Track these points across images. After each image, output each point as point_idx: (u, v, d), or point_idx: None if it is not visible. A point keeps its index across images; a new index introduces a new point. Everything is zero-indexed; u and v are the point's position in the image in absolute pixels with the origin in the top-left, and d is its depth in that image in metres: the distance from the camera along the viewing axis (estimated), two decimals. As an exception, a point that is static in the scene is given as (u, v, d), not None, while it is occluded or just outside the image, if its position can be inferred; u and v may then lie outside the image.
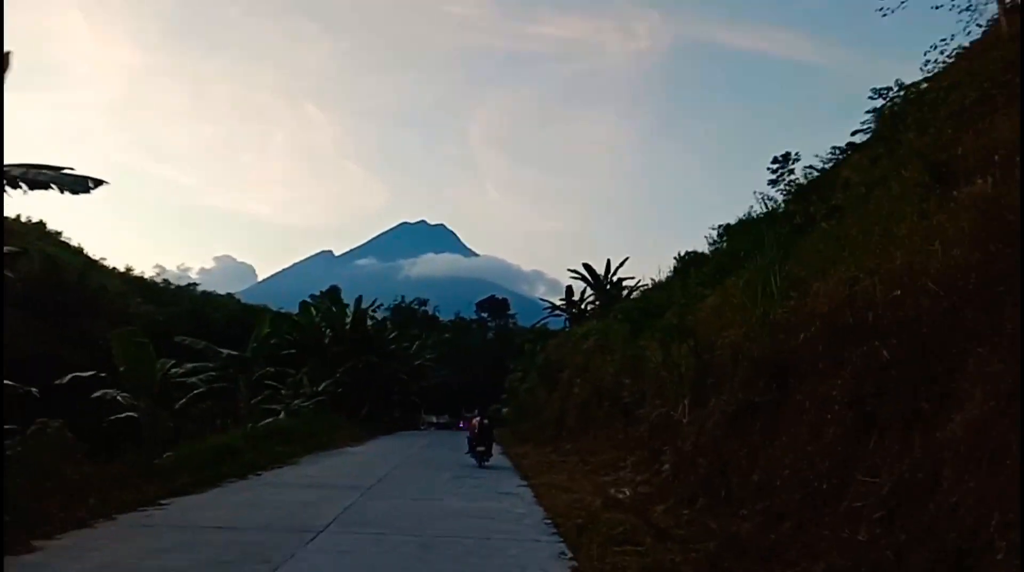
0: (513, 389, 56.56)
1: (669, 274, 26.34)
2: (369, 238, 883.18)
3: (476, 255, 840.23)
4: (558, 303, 46.88)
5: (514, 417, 52.05)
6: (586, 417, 23.74)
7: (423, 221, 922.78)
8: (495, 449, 20.18)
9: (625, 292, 43.06)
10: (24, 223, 54.37)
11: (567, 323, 46.28)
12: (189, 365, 18.11)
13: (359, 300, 32.82)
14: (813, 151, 18.82)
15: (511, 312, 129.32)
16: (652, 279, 29.96)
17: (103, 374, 13.92)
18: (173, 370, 15.85)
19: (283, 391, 26.40)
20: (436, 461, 19.31)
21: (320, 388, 28.27)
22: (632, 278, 43.53)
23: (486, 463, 18.61)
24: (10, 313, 17.84)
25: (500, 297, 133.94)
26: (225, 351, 19.00)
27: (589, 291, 45.94)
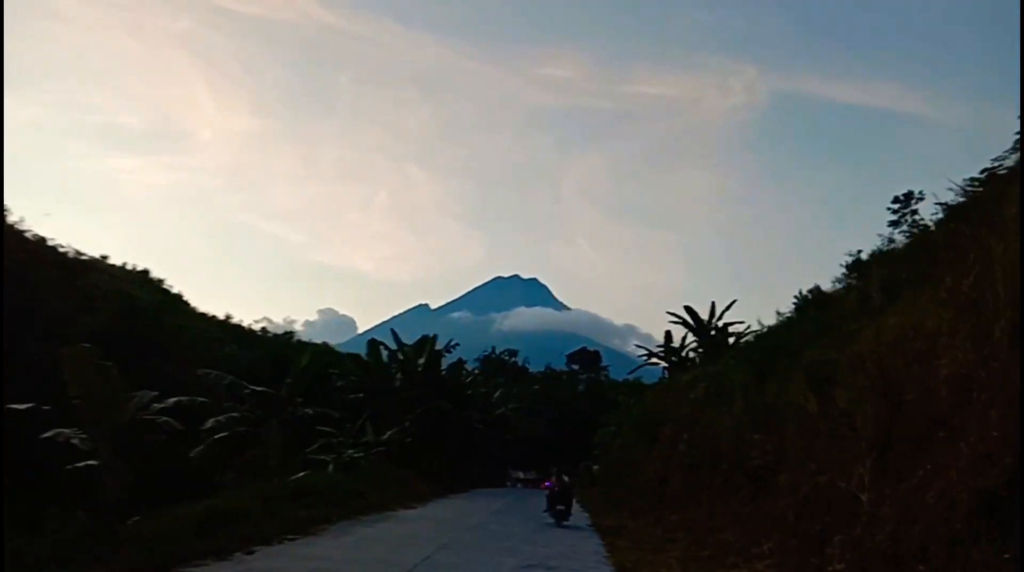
0: (604, 445, 51.73)
1: (789, 314, 21.69)
2: (464, 292, 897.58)
3: (568, 309, 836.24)
4: (655, 350, 42.24)
5: (606, 476, 47.20)
6: (696, 482, 19.27)
7: (516, 275, 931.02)
8: (582, 519, 16.83)
9: (732, 338, 38.03)
10: (128, 270, 55.19)
11: (665, 373, 41.47)
12: (184, 399, 14.47)
13: (433, 340, 29.46)
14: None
15: (603, 364, 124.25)
16: (762, 324, 25.05)
17: (47, 406, 10.82)
18: (155, 406, 12.60)
19: (338, 439, 23.16)
20: (506, 533, 15.44)
21: (385, 437, 24.90)
22: (741, 322, 38.51)
23: (566, 523, 18.02)
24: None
25: (592, 349, 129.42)
26: (253, 388, 15.67)
27: (691, 338, 41.11)
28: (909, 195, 13.62)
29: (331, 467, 19.99)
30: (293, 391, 15.18)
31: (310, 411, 17.81)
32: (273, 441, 14.23)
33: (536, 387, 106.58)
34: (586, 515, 20.53)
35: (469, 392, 32.80)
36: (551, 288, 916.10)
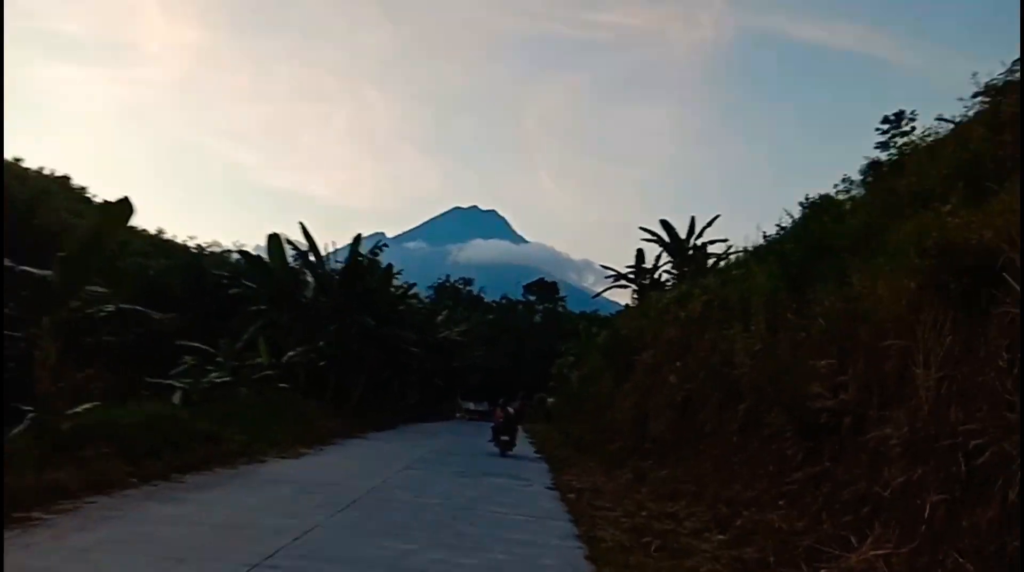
0: (562, 377, 47.27)
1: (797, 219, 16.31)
2: (422, 222, 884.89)
3: (526, 242, 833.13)
4: (624, 271, 37.20)
5: (563, 410, 42.89)
6: (693, 425, 14.38)
7: (475, 206, 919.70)
8: (538, 475, 11.76)
9: (712, 260, 33.05)
10: (46, 176, 47.81)
11: (635, 297, 36.62)
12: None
13: (357, 239, 23.27)
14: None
15: (561, 295, 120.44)
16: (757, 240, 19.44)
17: None
18: None
19: (215, 359, 17.48)
20: (417, 507, 9.64)
21: (284, 359, 19.44)
22: (723, 240, 33.51)
23: (508, 453, 18.51)
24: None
25: (549, 281, 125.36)
26: (24, 269, 9.99)
27: (665, 258, 36.13)
28: (900, 115, 13.16)
29: (178, 397, 14.30)
30: (73, 274, 9.28)
31: (108, 308, 11.88)
32: (45, 353, 8.78)
33: (491, 317, 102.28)
34: (543, 466, 15.60)
35: (402, 308, 27.57)
36: (510, 220, 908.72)
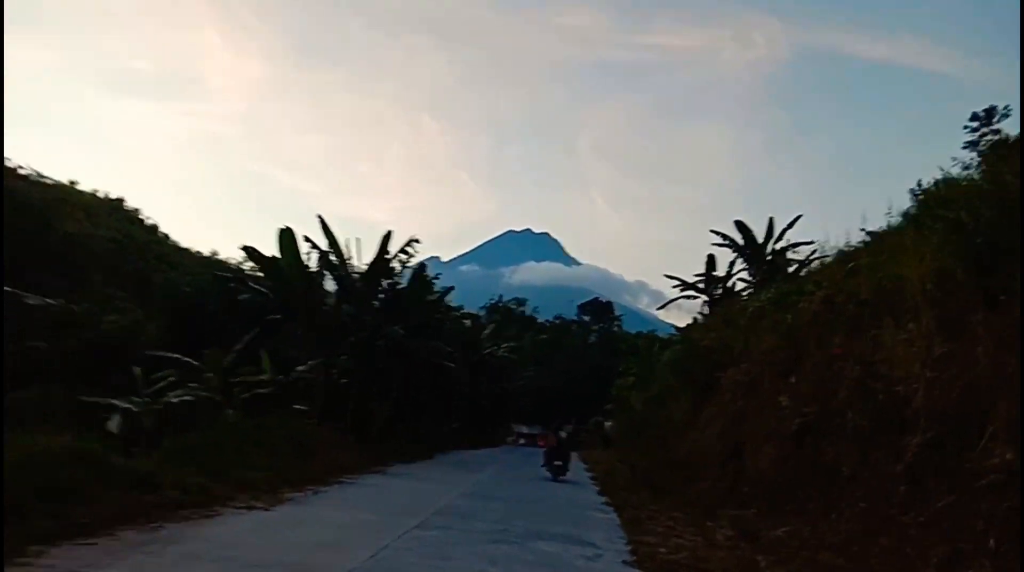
0: (621, 399, 43.11)
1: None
2: (476, 245, 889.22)
3: (579, 264, 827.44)
4: (692, 280, 33.04)
5: (624, 435, 38.77)
6: (812, 463, 10.45)
7: (528, 229, 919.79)
8: (604, 519, 8.02)
9: (794, 266, 28.71)
10: (99, 198, 46.59)
11: (706, 307, 32.43)
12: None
13: (387, 237, 19.85)
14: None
15: (616, 314, 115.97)
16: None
17: None
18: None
19: (207, 374, 13.99)
20: None
21: (291, 376, 16.02)
22: (808, 243, 29.06)
23: (562, 478, 18.06)
24: None
25: (604, 300, 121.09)
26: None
27: (739, 264, 31.92)
28: (991, 112, 12.11)
29: (115, 422, 10.87)
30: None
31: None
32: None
33: (544, 336, 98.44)
34: (610, 516, 11.64)
35: (439, 316, 23.26)
36: (563, 243, 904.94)
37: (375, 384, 18.38)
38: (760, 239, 31.58)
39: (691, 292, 33.39)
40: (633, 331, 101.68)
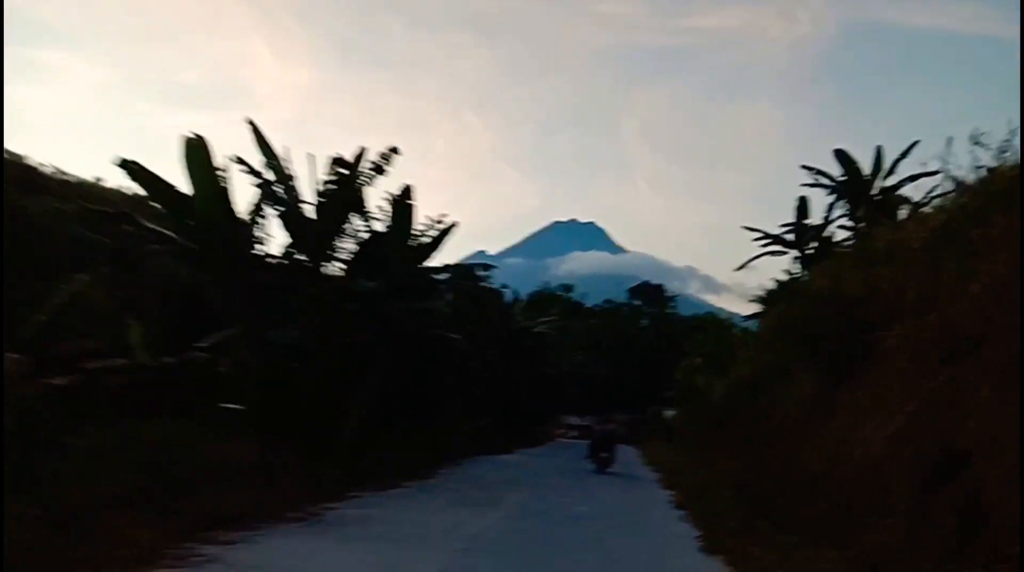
0: (688, 384, 36.57)
1: None
2: (522, 238, 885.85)
3: (625, 252, 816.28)
4: (779, 232, 26.24)
5: (692, 428, 32.31)
6: None
7: (574, 219, 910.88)
8: None
9: (906, 208, 21.73)
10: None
11: (800, 264, 25.66)
12: None
13: (360, 155, 13.36)
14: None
15: (670, 295, 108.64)
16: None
17: None
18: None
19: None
20: None
21: (186, 357, 9.87)
22: (930, 174, 21.88)
23: (608, 470, 17.65)
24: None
25: (655, 282, 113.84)
26: None
27: (838, 210, 25.04)
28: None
29: None
30: None
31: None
32: None
33: (593, 321, 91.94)
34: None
35: (446, 276, 16.34)
36: (609, 231, 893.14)
37: (343, 368, 12.36)
38: (866, 173, 24.77)
39: (777, 246, 26.62)
40: (687, 316, 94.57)
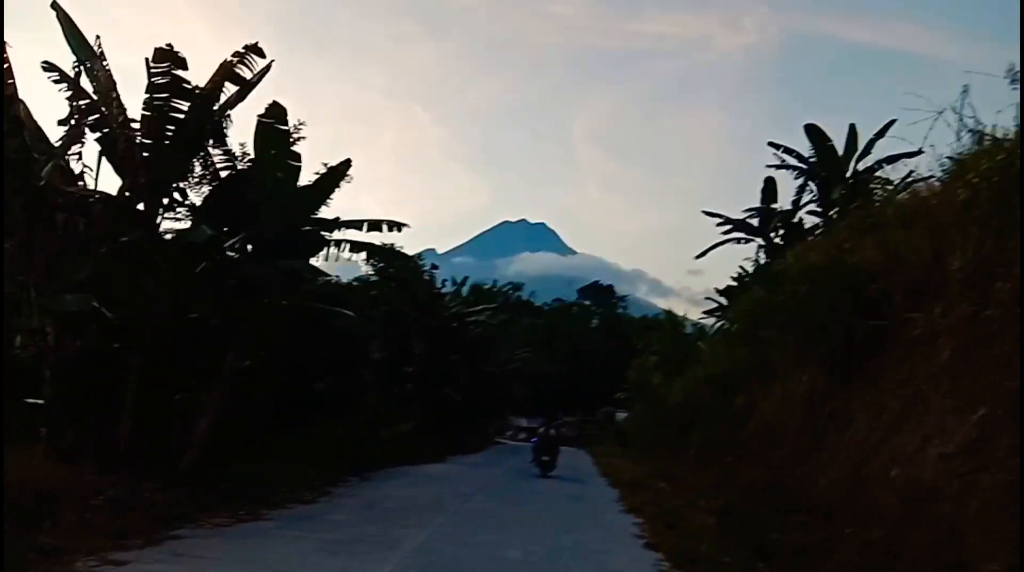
0: (643, 384, 34.22)
1: None
2: (471, 236, 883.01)
3: (574, 253, 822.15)
4: (741, 216, 23.92)
5: (646, 431, 29.96)
6: None
7: (523, 220, 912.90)
8: None
9: (881, 188, 19.52)
10: None
11: (765, 254, 23.37)
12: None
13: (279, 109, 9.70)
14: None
15: (620, 295, 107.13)
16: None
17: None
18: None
19: None
20: None
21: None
22: (916, 153, 19.74)
23: (550, 474, 17.67)
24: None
25: (604, 284, 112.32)
26: None
27: (811, 190, 22.85)
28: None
29: None
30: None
31: None
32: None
33: (542, 320, 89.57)
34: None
35: (334, 233, 11.12)
36: (559, 232, 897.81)
37: (193, 351, 9.12)
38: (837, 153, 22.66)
39: (740, 234, 24.29)
40: (637, 317, 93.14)
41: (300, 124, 10.38)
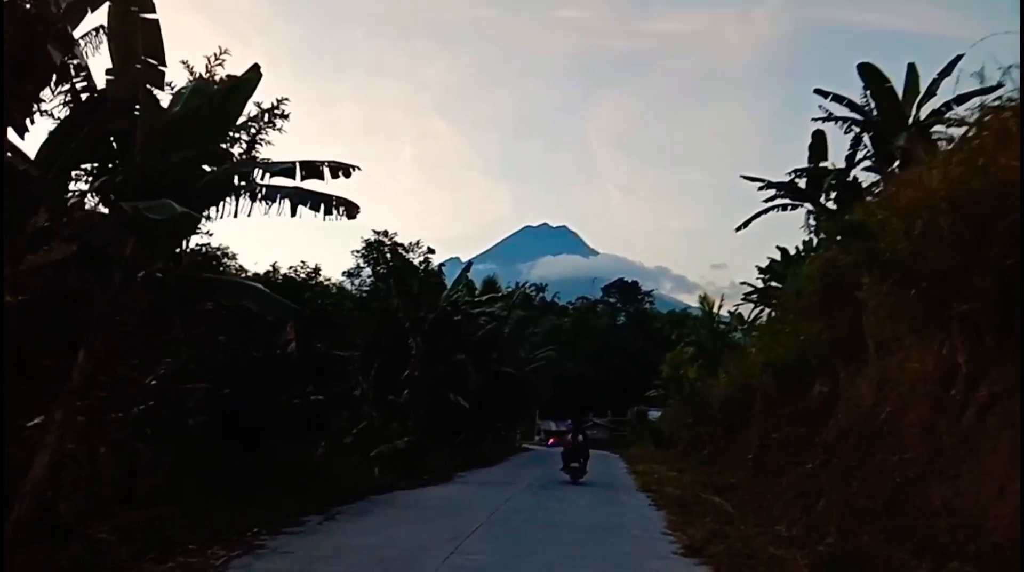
0: (678, 379, 30.96)
1: None
2: (493, 243, 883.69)
3: (596, 254, 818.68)
4: (784, 179, 20.61)
5: (684, 429, 26.72)
6: None
7: (545, 223, 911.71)
8: None
9: (956, 132, 16.11)
10: None
11: (812, 221, 20.07)
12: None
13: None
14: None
15: (646, 290, 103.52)
16: None
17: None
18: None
19: None
20: None
21: None
22: (992, 88, 16.32)
23: (581, 480, 17.33)
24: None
25: (629, 280, 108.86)
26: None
27: (864, 146, 19.53)
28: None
29: None
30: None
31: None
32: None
33: (566, 319, 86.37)
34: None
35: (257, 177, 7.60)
36: (581, 235, 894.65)
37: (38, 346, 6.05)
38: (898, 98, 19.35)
39: (784, 201, 21.01)
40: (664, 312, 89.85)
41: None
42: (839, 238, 11.10)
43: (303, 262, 13.53)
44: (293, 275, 13.34)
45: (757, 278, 24.22)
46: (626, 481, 18.04)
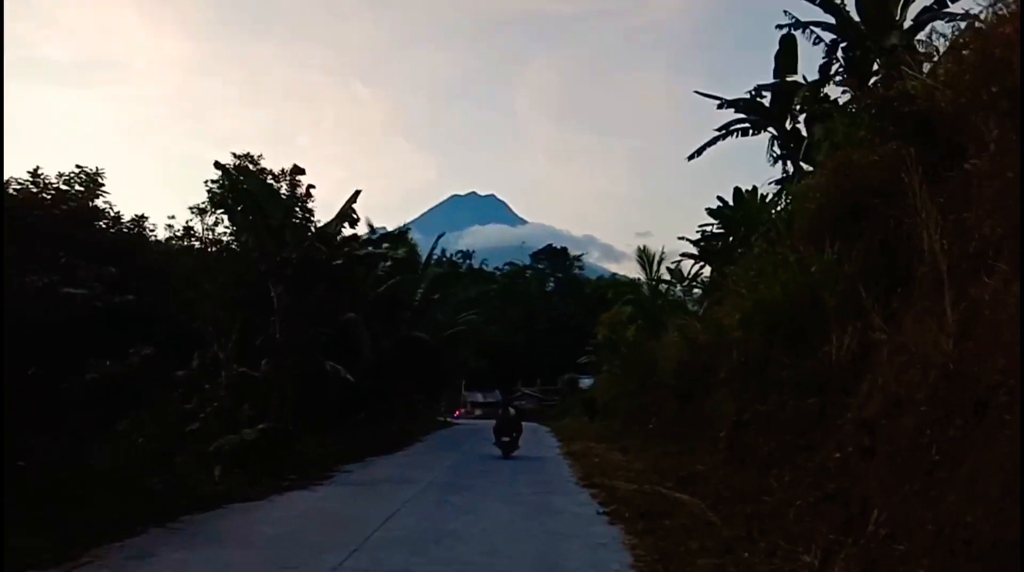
0: (613, 343, 27.79)
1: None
2: (420, 213, 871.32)
3: (525, 222, 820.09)
4: (733, 97, 17.25)
5: (622, 397, 23.78)
6: None
7: (473, 192, 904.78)
8: None
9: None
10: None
11: (777, 148, 16.84)
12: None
13: None
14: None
15: (576, 254, 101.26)
16: None
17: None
18: None
19: None
20: None
21: None
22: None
23: (513, 454, 16.82)
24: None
25: (559, 246, 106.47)
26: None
27: (837, 61, 16.34)
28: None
29: None
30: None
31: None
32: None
33: (494, 286, 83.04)
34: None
35: None
36: (510, 203, 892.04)
37: None
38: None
39: (741, 121, 17.70)
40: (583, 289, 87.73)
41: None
42: (869, 121, 7.66)
43: (79, 167, 9.26)
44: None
45: (698, 230, 21.36)
46: (561, 470, 14.46)
